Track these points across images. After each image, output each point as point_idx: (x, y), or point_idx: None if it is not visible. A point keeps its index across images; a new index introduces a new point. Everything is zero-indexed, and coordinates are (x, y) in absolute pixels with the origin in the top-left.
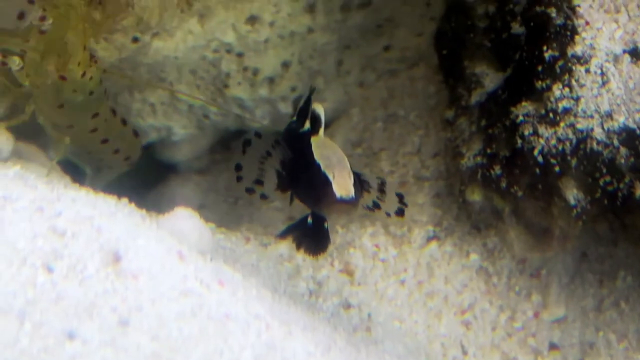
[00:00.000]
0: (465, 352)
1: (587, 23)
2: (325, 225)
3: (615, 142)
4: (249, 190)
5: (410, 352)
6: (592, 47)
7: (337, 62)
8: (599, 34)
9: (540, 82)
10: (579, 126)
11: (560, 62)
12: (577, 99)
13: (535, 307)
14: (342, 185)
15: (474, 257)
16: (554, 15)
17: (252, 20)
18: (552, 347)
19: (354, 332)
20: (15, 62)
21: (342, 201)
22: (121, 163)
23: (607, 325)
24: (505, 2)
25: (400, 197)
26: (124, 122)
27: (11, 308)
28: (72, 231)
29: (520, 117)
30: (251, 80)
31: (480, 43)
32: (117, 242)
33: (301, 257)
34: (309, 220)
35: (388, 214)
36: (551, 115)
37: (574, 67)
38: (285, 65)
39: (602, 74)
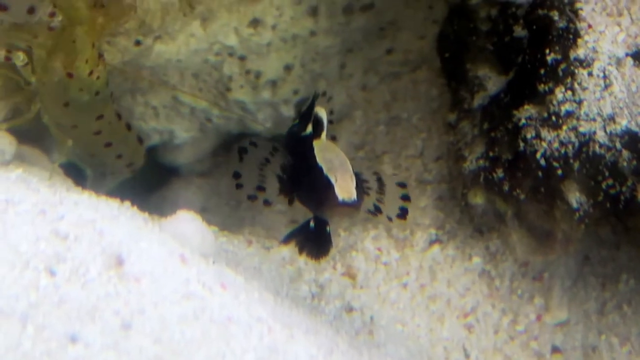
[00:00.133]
0: (467, 356)
1: (589, 26)
2: (328, 228)
3: (618, 145)
4: (252, 197)
5: (412, 356)
6: (594, 50)
7: (339, 65)
8: (601, 37)
9: (542, 86)
10: (581, 129)
11: (562, 65)
12: (580, 102)
13: (538, 310)
14: (345, 188)
15: (476, 260)
16: (556, 18)
17: (255, 23)
18: (555, 350)
19: (357, 336)
20: (19, 58)
21: (345, 204)
22: (124, 169)
23: (609, 328)
24: (507, 5)
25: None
26: (129, 127)
27: (14, 311)
28: (74, 234)
29: (523, 120)
30: (253, 84)
31: (483, 46)
32: (119, 245)
33: (303, 260)
34: (312, 223)
35: (390, 218)
36: (554, 118)
37: (576, 71)
38: (288, 68)
39: (605, 77)
